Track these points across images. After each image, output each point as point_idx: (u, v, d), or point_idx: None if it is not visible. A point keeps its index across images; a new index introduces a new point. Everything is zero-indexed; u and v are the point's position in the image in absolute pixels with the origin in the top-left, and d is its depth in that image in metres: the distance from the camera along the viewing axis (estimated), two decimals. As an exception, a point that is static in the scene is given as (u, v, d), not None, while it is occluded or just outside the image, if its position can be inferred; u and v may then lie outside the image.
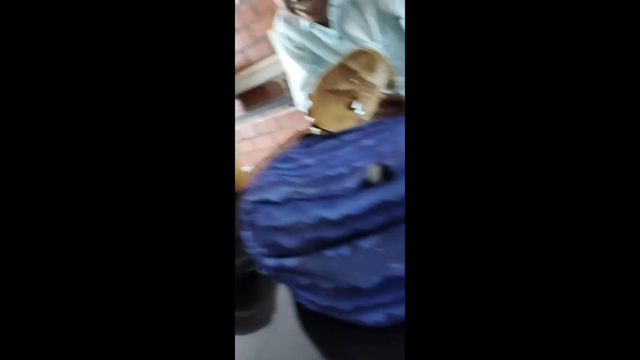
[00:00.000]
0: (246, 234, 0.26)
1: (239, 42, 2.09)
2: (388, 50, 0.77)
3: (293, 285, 0.26)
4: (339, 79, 0.58)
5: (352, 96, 0.60)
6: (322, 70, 0.93)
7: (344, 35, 0.82)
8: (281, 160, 0.29)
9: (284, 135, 2.26)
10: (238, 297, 0.36)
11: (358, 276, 0.21)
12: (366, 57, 0.55)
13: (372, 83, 0.55)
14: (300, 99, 0.95)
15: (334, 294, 0.23)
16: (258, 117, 2.16)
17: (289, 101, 2.05)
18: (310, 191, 0.22)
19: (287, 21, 0.88)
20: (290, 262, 0.23)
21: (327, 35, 0.84)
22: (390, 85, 0.53)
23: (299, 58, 0.90)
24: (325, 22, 0.81)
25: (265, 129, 2.32)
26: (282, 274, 0.25)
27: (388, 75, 0.52)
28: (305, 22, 0.83)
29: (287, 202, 0.22)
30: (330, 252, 0.21)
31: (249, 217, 0.24)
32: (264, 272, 0.26)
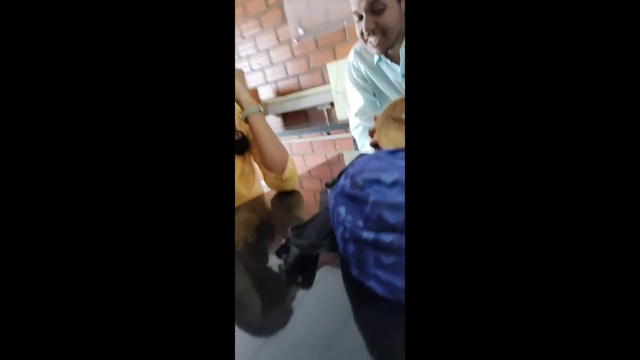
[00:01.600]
0: (341, 209, 0.30)
1: (296, 68, 2.25)
2: None
3: (371, 264, 0.29)
4: (404, 110, 0.64)
5: None
6: (378, 103, 1.00)
7: None
8: (374, 157, 0.34)
9: (314, 159, 2.35)
10: (296, 277, 0.39)
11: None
12: None
13: None
14: (354, 123, 1.02)
15: (417, 274, 0.25)
16: (295, 138, 2.26)
17: (327, 129, 2.15)
18: (414, 181, 0.26)
19: (358, 53, 0.97)
20: (386, 237, 0.26)
21: (392, 71, 0.92)
22: None
23: (361, 88, 0.99)
24: (397, 60, 0.89)
25: (298, 150, 2.41)
26: (368, 251, 0.28)
27: None
28: (375, 56, 0.92)
29: (395, 184, 0.26)
30: (425, 234, 0.25)
31: (360, 192, 0.28)
32: (348, 248, 0.29)
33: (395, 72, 0.91)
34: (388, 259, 0.27)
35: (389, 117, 0.65)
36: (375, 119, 0.65)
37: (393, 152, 0.37)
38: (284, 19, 2.17)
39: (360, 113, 0.99)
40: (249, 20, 2.34)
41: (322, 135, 2.31)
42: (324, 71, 2.12)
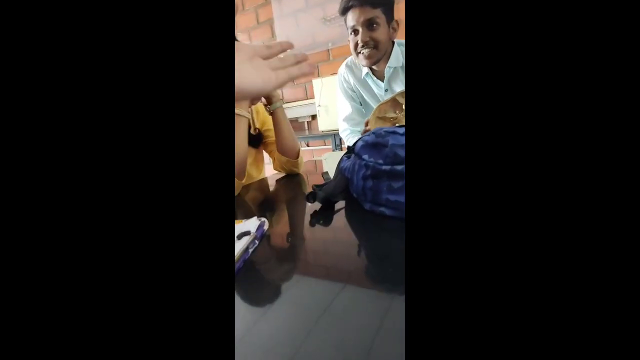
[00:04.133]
0: (365, 155, 0.44)
1: (281, 81, 2.42)
2: None
3: (384, 192, 0.43)
4: (388, 109, 0.82)
5: (395, 122, 0.83)
6: (363, 110, 1.18)
7: (389, 89, 1.09)
8: (381, 127, 0.49)
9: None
10: (319, 216, 0.52)
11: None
12: None
13: None
14: (342, 127, 1.19)
15: (416, 192, 0.40)
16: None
17: (307, 139, 2.30)
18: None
19: (349, 67, 1.15)
20: (399, 167, 0.40)
21: (376, 85, 1.11)
22: None
23: (349, 97, 1.16)
24: (381, 76, 1.08)
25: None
26: (383, 181, 0.42)
27: None
28: (363, 70, 1.10)
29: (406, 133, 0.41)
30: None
31: (382, 140, 0.43)
32: (367, 184, 0.43)
33: (379, 87, 1.10)
34: (397, 184, 0.41)
35: (377, 117, 0.82)
36: (367, 123, 0.82)
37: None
38: (273, 36, 2.35)
39: (348, 119, 1.16)
40: (238, 34, 2.48)
41: (301, 145, 2.45)
42: (307, 86, 2.31)
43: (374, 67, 1.07)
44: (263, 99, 0.84)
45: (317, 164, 1.14)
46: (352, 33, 0.99)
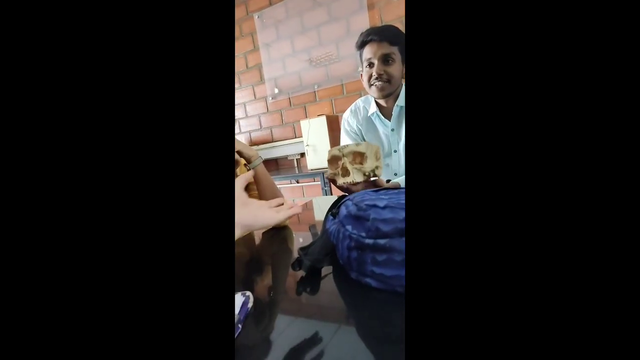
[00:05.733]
0: (348, 227, 0.44)
1: (270, 121, 2.47)
2: None
3: (368, 263, 0.43)
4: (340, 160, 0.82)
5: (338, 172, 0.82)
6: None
7: (395, 129, 1.11)
8: (364, 193, 0.50)
9: (282, 205, 2.47)
10: (305, 284, 0.51)
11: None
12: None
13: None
14: None
15: (400, 265, 0.40)
16: (267, 184, 2.39)
17: (297, 177, 2.31)
18: (396, 203, 0.42)
19: (353, 112, 1.19)
20: (381, 241, 0.40)
21: (383, 125, 1.13)
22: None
23: (352, 138, 1.19)
24: (388, 115, 1.11)
25: (268, 196, 2.52)
26: (367, 254, 0.42)
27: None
28: (371, 108, 1.12)
29: (386, 207, 0.42)
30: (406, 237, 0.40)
31: (363, 213, 0.43)
32: (352, 255, 0.43)
33: (386, 126, 1.12)
34: (381, 257, 0.41)
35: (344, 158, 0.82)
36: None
37: (376, 191, 0.54)
38: (261, 79, 2.44)
39: None
40: (227, 77, 2.57)
41: (291, 183, 2.47)
42: (295, 126, 2.37)
43: (383, 104, 1.09)
44: (243, 160, 0.85)
45: (308, 205, 1.14)
46: (368, 66, 1.02)
